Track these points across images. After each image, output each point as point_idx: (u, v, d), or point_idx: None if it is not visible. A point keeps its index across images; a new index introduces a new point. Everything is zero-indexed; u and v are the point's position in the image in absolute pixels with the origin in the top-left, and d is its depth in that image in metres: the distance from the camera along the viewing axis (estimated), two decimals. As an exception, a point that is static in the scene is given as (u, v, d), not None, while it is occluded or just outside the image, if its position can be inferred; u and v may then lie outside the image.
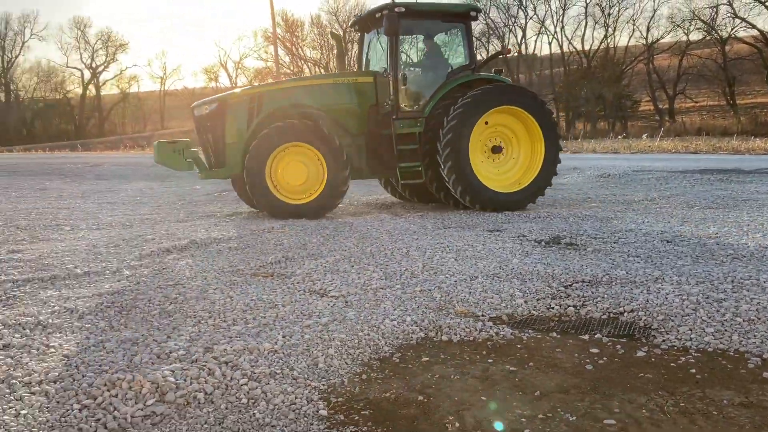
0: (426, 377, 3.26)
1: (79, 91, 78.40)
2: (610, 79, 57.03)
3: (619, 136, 39.30)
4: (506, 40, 62.63)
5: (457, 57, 10.18)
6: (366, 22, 10.22)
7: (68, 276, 5.37)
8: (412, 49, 10.96)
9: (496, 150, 9.45)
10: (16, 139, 65.36)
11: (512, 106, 9.21)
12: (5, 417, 2.74)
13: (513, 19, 62.59)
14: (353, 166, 9.34)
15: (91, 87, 78.52)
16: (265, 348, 3.49)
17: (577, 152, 29.30)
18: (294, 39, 68.97)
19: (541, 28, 62.48)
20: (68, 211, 10.38)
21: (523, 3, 61.05)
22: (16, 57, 75.55)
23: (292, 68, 67.87)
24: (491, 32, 62.38)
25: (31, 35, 75.58)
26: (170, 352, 3.41)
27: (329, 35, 63.17)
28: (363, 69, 10.40)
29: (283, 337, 3.70)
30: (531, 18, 62.54)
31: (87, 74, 77.88)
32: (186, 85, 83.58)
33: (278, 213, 8.86)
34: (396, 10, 9.03)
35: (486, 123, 9.23)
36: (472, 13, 9.92)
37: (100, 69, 78.21)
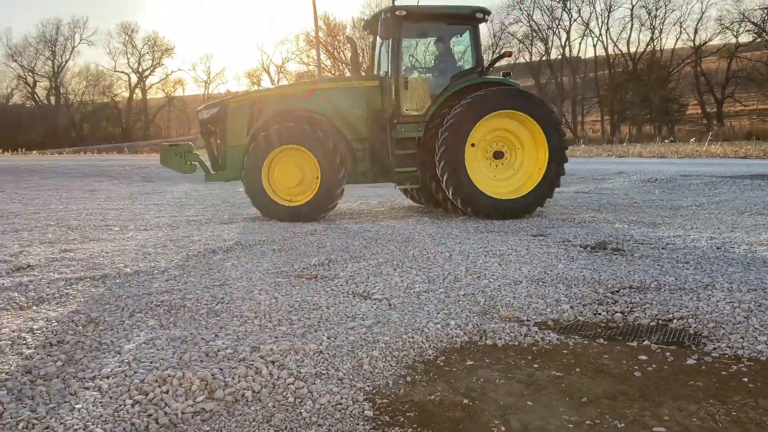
0: (471, 381, 3.26)
1: (126, 94, 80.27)
2: (657, 82, 55.95)
3: (666, 140, 38.50)
4: (550, 43, 62.04)
5: (463, 60, 9.92)
6: (374, 24, 10.04)
7: (118, 275, 5.50)
8: (418, 51, 10.82)
9: (498, 155, 9.15)
10: (65, 142, 67.14)
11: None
12: (61, 411, 2.83)
13: (557, 21, 61.95)
14: (358, 171, 9.35)
15: (138, 91, 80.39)
16: (310, 348, 3.53)
17: (623, 156, 28.84)
18: (335, 43, 69.33)
19: (585, 30, 61.65)
20: (117, 212, 10.64)
21: (567, 5, 60.37)
22: (66, 61, 77.56)
23: (333, 71, 68.21)
24: (534, 34, 61.90)
25: (81, 40, 77.43)
26: (218, 351, 3.48)
27: (344, 38, 63.24)
28: (376, 72, 10.28)
29: (328, 338, 3.74)
30: (575, 20, 61.78)
31: (134, 78, 79.77)
32: (229, 89, 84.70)
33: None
34: (397, 13, 8.91)
35: (472, 145, 8.92)
36: (479, 15, 9.44)
37: (146, 73, 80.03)
